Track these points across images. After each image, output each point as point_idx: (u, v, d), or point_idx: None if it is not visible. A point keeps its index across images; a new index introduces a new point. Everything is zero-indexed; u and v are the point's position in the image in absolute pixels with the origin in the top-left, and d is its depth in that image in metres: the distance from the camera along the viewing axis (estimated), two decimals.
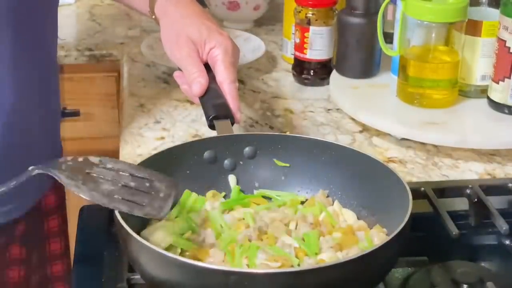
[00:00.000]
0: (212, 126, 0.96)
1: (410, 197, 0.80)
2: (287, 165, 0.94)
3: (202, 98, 1.00)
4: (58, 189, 1.19)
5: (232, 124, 0.96)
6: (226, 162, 0.94)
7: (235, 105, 0.98)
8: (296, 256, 0.80)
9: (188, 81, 1.01)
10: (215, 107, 0.97)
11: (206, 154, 0.93)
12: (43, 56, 1.04)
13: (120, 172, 0.79)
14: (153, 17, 1.10)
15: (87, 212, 0.98)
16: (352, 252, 0.80)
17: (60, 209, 1.20)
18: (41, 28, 1.02)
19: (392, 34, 1.30)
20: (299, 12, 1.34)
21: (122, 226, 0.75)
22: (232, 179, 0.94)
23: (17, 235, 1.09)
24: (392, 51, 1.25)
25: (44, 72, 1.05)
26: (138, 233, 0.77)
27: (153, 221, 0.84)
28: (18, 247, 1.09)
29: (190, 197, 0.90)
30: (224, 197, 0.93)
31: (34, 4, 0.98)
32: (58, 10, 1.08)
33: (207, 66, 1.02)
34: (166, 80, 1.37)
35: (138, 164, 0.86)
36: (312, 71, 1.37)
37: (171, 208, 0.82)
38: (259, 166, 0.94)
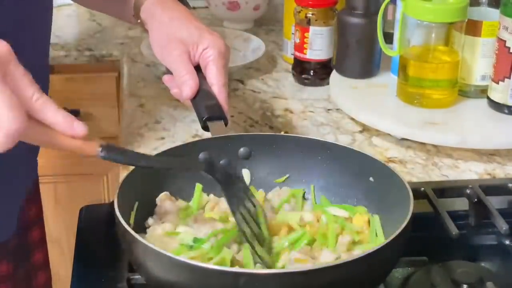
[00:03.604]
0: (205, 128, 0.95)
1: (411, 197, 0.80)
2: (286, 176, 0.94)
3: (193, 100, 0.99)
4: (36, 200, 1.18)
5: (226, 125, 0.96)
6: (222, 163, 0.94)
7: (224, 108, 0.97)
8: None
9: (178, 84, 1.00)
10: (207, 109, 0.96)
11: (201, 156, 0.92)
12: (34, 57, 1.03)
13: None
14: (138, 21, 1.09)
15: (87, 212, 0.98)
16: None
17: (40, 219, 1.20)
18: (33, 29, 1.01)
19: (392, 34, 1.30)
20: (299, 12, 1.34)
21: (126, 230, 0.75)
22: (246, 173, 0.94)
23: (6, 252, 1.08)
24: (392, 51, 1.25)
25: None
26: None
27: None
28: (6, 263, 1.09)
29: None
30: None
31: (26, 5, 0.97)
32: (53, 13, 1.07)
33: (197, 67, 1.01)
34: None
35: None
36: (312, 71, 1.37)
37: None
38: (255, 167, 0.94)
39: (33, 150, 1.10)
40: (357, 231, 0.85)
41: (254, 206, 0.85)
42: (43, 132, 0.72)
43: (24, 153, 1.04)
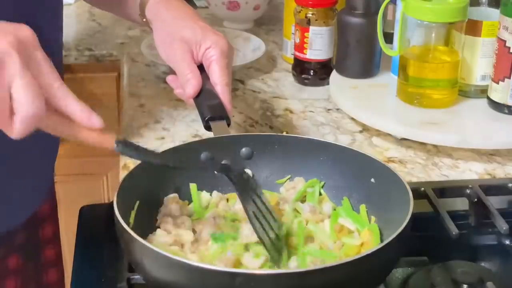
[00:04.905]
0: (208, 127, 0.95)
1: (411, 197, 0.80)
2: (288, 177, 0.94)
3: (196, 99, 0.99)
4: (51, 196, 1.19)
5: (228, 125, 0.96)
6: (223, 163, 0.94)
7: (228, 108, 0.97)
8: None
9: (181, 83, 1.00)
10: (210, 108, 0.96)
11: (203, 156, 0.92)
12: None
13: None
14: (144, 20, 1.09)
15: (87, 212, 0.98)
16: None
17: (53, 215, 1.20)
18: (44, 27, 1.02)
19: (392, 34, 1.30)
20: (299, 12, 1.34)
21: (125, 230, 0.75)
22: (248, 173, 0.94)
23: (15, 245, 1.09)
24: (392, 51, 1.25)
25: None
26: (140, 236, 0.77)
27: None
28: (15, 257, 1.09)
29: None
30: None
31: (37, 3, 0.98)
32: (63, 10, 1.08)
33: (201, 67, 1.01)
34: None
35: (138, 166, 0.87)
36: (312, 71, 1.37)
37: None
38: (257, 167, 0.94)
39: (54, 144, 1.11)
40: (358, 245, 0.85)
41: (267, 209, 0.84)
42: (60, 121, 0.74)
43: (44, 147, 1.07)
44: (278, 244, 0.81)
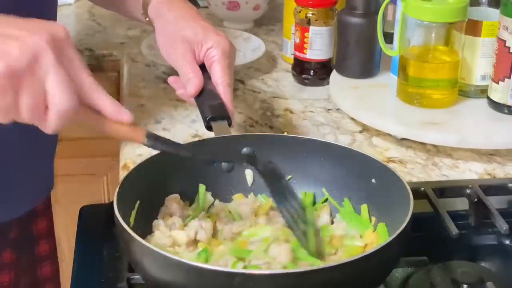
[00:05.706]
0: (209, 128, 0.95)
1: (411, 197, 0.80)
2: (290, 176, 0.94)
3: (198, 99, 0.99)
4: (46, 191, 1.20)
5: (229, 125, 0.95)
6: (224, 163, 0.94)
7: (229, 108, 0.97)
8: None
9: (183, 82, 1.00)
10: (211, 108, 0.96)
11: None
12: None
13: None
14: (147, 19, 1.10)
15: (87, 212, 0.98)
16: None
17: (48, 210, 1.20)
18: None
19: (392, 34, 1.30)
20: (299, 12, 1.34)
21: (124, 229, 0.75)
22: (249, 174, 0.94)
23: (9, 240, 1.09)
24: (392, 51, 1.25)
25: None
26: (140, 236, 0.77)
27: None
28: (9, 251, 1.10)
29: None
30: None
31: (31, 5, 0.98)
32: (57, 11, 1.08)
33: (203, 67, 1.01)
34: (166, 80, 1.37)
35: (138, 165, 0.87)
36: (312, 71, 1.37)
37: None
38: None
39: (52, 142, 1.12)
40: (362, 246, 0.85)
41: (299, 205, 0.85)
42: (92, 116, 0.76)
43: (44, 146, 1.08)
44: (307, 231, 0.83)
